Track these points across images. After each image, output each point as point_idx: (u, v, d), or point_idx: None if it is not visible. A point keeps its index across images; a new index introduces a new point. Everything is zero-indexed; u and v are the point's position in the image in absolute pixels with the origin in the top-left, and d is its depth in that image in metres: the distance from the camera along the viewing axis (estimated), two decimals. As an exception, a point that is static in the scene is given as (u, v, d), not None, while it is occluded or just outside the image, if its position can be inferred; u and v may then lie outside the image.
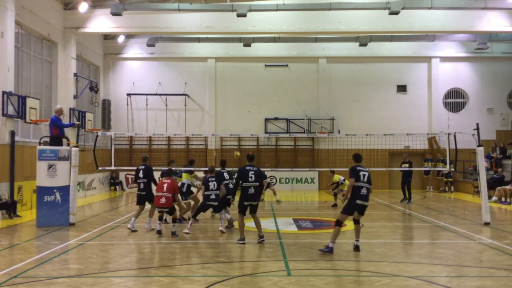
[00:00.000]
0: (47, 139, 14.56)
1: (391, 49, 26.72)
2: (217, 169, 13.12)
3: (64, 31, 21.60)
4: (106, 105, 26.59)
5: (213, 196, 11.98)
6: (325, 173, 25.75)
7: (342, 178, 17.64)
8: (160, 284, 7.49)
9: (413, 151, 25.68)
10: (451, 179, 25.05)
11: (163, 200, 11.63)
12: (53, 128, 14.04)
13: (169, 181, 11.85)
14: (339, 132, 25.65)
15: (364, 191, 9.72)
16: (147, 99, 26.84)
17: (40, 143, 14.61)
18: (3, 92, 16.33)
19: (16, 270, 8.29)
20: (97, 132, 17.13)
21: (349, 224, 11.67)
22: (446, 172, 24.10)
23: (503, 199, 19.18)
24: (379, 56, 26.98)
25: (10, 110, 16.59)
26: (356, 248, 9.85)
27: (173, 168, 13.56)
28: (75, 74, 22.06)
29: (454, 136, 14.95)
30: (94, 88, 23.93)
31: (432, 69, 27.30)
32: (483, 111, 27.29)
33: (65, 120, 18.08)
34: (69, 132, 17.28)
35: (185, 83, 27.18)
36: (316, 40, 25.60)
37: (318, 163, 26.28)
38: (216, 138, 26.53)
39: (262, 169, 11.34)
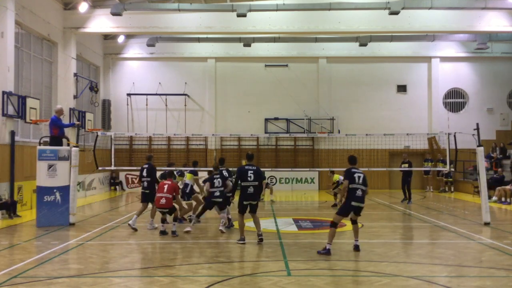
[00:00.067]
0: (47, 139, 14.56)
1: (391, 49, 26.73)
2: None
3: (64, 31, 21.61)
4: (106, 105, 26.60)
5: (217, 193, 12.00)
6: (325, 173, 25.75)
7: (342, 178, 17.57)
8: (160, 284, 7.49)
9: (413, 151, 25.68)
10: (451, 179, 25.05)
11: (163, 201, 11.73)
12: (53, 128, 14.04)
13: (169, 182, 11.97)
14: (339, 132, 25.65)
15: (359, 192, 9.72)
16: (147, 99, 26.85)
17: (40, 143, 14.61)
18: (3, 92, 16.33)
19: (16, 270, 8.29)
20: (97, 132, 17.13)
21: (348, 224, 11.64)
22: (446, 172, 24.10)
23: (503, 199, 19.18)
24: (379, 56, 26.98)
25: (10, 110, 16.59)
26: (356, 248, 9.86)
27: (173, 168, 13.64)
28: (75, 74, 22.07)
29: (454, 136, 14.94)
30: (94, 88, 23.94)
31: (432, 69, 27.31)
32: (483, 111, 27.29)
33: (65, 120, 18.07)
34: (69, 132, 17.28)
35: (185, 83, 27.19)
36: (316, 40, 25.60)
37: (318, 163, 26.28)
38: (216, 138, 26.54)
39: (262, 169, 11.34)
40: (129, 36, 26.81)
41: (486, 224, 13.34)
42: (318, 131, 25.87)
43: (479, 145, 13.90)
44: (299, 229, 13.03)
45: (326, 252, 9.53)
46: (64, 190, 13.51)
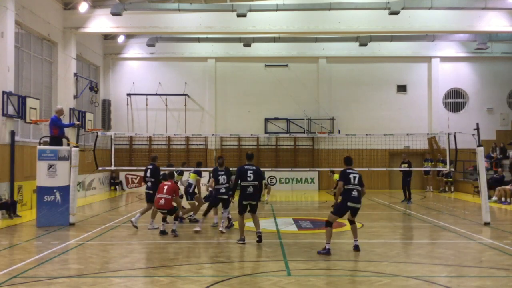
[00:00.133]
0: (47, 139, 14.56)
1: (391, 49, 26.73)
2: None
3: (64, 31, 21.61)
4: (106, 105, 26.60)
5: (223, 190, 12.00)
6: (325, 173, 25.77)
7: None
8: (160, 284, 7.49)
9: (413, 151, 25.68)
10: (451, 179, 25.05)
11: (162, 202, 11.77)
12: (53, 128, 14.04)
13: (169, 183, 11.97)
14: (339, 132, 25.65)
15: (355, 193, 9.72)
16: (147, 99, 26.85)
17: (40, 143, 14.61)
18: (3, 92, 16.34)
19: (16, 270, 8.29)
20: (97, 132, 17.13)
21: (348, 224, 11.63)
22: (446, 172, 24.10)
23: (503, 199, 19.17)
24: (379, 56, 26.99)
25: (10, 110, 16.59)
26: (356, 248, 9.86)
27: (174, 168, 13.67)
28: (75, 74, 22.07)
29: (454, 136, 14.94)
30: (94, 88, 23.94)
31: (432, 69, 27.31)
32: (483, 111, 27.30)
33: (65, 120, 18.07)
34: (69, 132, 17.28)
35: (185, 83, 27.19)
36: (316, 40, 25.61)
37: (318, 163, 26.28)
38: (216, 138, 26.54)
39: (262, 169, 11.33)
40: (129, 36, 26.81)
41: (486, 224, 13.34)
42: (318, 131, 25.87)
43: (479, 145, 13.90)
44: (299, 229, 13.03)
45: (326, 252, 9.53)
46: (64, 190, 13.51)
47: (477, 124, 14.06)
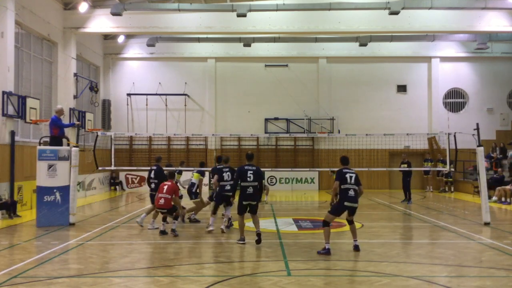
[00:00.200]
0: (47, 139, 14.56)
1: (391, 49, 26.73)
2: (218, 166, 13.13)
3: (64, 31, 21.61)
4: (106, 105, 26.60)
5: (228, 187, 12.00)
6: (325, 173, 25.79)
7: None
8: (160, 284, 7.49)
9: (413, 151, 25.68)
10: (451, 179, 25.05)
11: (162, 201, 11.79)
12: (53, 128, 14.04)
13: (169, 183, 12.00)
14: (339, 132, 25.65)
15: (351, 192, 9.72)
16: (147, 99, 26.85)
17: (40, 143, 14.61)
18: (3, 92, 16.34)
19: (16, 270, 8.29)
20: (97, 132, 17.12)
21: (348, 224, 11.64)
22: (446, 172, 24.09)
23: (503, 199, 19.18)
24: (379, 56, 26.99)
25: (10, 110, 16.59)
26: (356, 248, 9.85)
27: (174, 169, 13.70)
28: (75, 74, 22.07)
29: (454, 136, 14.93)
30: (94, 88, 23.94)
31: (432, 69, 27.31)
32: (483, 111, 27.30)
33: (65, 120, 18.07)
34: (69, 132, 17.28)
35: (185, 83, 27.19)
36: (316, 40, 25.61)
37: (318, 163, 26.28)
38: (216, 138, 26.54)
39: (262, 169, 11.32)
40: (129, 36, 26.81)
41: (486, 224, 13.34)
42: (318, 131, 25.87)
43: (479, 145, 13.90)
44: (299, 229, 13.03)
45: (326, 252, 9.54)
46: (64, 190, 13.51)
47: (477, 124, 14.07)
